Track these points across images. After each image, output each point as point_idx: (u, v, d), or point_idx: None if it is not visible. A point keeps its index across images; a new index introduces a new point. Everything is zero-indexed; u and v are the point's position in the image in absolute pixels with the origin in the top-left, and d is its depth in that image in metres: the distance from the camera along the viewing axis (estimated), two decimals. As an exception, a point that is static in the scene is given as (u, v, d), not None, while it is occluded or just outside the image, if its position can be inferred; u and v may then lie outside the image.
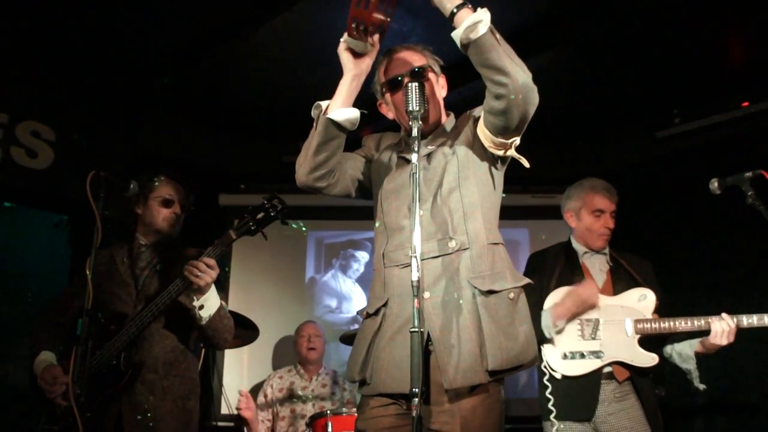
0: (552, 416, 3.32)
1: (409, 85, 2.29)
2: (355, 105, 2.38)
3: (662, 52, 4.79)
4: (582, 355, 3.37)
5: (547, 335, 3.37)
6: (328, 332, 5.55)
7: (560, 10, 4.41)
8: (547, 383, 3.38)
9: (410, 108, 2.26)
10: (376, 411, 2.33)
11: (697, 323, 3.32)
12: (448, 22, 2.20)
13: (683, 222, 5.42)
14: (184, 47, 4.79)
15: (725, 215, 4.68)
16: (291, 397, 5.06)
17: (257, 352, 5.72)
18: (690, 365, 3.44)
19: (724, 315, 3.28)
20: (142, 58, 4.89)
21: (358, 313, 2.38)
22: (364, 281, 6.25)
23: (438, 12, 2.23)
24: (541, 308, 3.43)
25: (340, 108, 2.33)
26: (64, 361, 3.24)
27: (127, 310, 3.24)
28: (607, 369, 3.38)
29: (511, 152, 2.38)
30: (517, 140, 2.34)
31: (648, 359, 3.34)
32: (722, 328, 3.25)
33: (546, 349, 3.40)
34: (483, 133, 2.36)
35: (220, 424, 5.60)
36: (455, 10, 2.17)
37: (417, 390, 1.97)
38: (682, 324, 3.34)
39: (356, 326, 5.83)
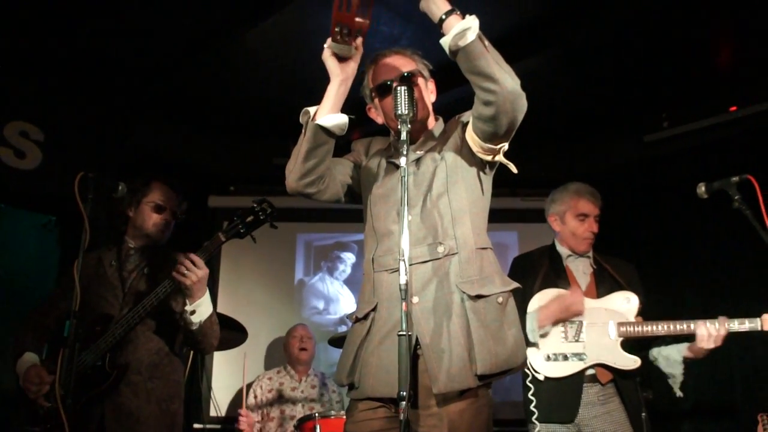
0: (534, 418, 3.34)
1: (398, 88, 2.29)
2: (344, 109, 2.38)
3: (651, 56, 4.81)
4: (565, 357, 3.38)
5: (531, 339, 3.38)
6: (316, 334, 5.55)
7: (549, 14, 4.43)
8: (530, 385, 3.40)
9: (399, 111, 2.26)
10: (364, 414, 2.33)
11: (679, 327, 3.34)
12: (437, 28, 2.20)
13: (671, 225, 5.44)
14: (175, 49, 4.78)
15: (713, 219, 4.71)
16: (280, 398, 5.06)
17: (246, 355, 5.70)
18: (676, 370, 3.46)
19: (720, 318, 3.29)
20: (132, 59, 4.88)
21: (347, 317, 2.38)
22: (352, 283, 6.25)
23: (429, 16, 2.24)
24: (525, 311, 3.43)
25: (329, 114, 2.33)
26: (49, 362, 3.23)
27: (114, 312, 3.22)
28: (590, 371, 3.39)
29: (500, 157, 2.39)
30: (505, 146, 2.35)
31: (630, 362, 3.35)
32: (708, 332, 3.26)
33: (529, 350, 3.41)
34: (471, 138, 2.36)
35: (209, 426, 5.58)
36: (444, 17, 2.18)
37: (405, 393, 1.97)
38: (664, 328, 3.36)
39: (344, 328, 5.87)
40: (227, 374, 5.77)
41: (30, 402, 3.16)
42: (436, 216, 2.37)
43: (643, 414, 3.40)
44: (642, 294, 3.50)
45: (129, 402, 3.13)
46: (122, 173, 3.36)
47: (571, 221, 3.64)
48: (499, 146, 2.34)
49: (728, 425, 4.95)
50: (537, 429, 3.33)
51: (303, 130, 2.37)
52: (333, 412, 4.17)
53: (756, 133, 5.05)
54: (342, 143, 2.47)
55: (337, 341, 4.56)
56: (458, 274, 2.31)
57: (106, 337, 3.13)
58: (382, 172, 2.54)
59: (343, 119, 2.35)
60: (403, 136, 2.21)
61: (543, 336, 3.40)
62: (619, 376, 3.39)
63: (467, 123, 2.39)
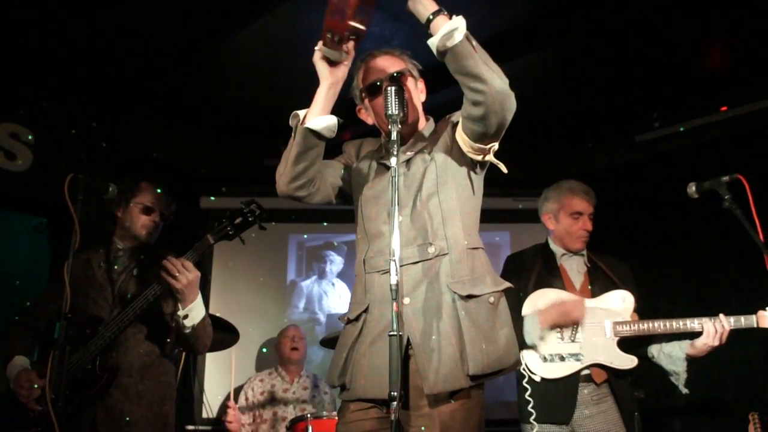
0: (531, 419, 3.32)
1: (388, 89, 2.30)
2: (335, 111, 2.38)
3: (642, 57, 4.81)
4: (561, 358, 3.37)
5: (529, 342, 3.36)
6: (308, 335, 5.55)
7: (540, 15, 4.43)
8: (526, 386, 3.37)
9: (389, 112, 2.26)
10: (356, 415, 2.34)
11: (675, 325, 3.33)
12: (424, 28, 2.20)
13: (663, 225, 5.45)
14: (166, 50, 4.76)
15: (704, 218, 4.72)
16: (272, 399, 5.06)
17: (238, 356, 5.69)
18: (679, 367, 3.42)
19: (721, 316, 3.27)
20: (123, 60, 4.86)
21: (339, 318, 2.38)
22: (343, 284, 6.25)
23: (416, 16, 2.24)
24: (519, 311, 3.43)
25: (318, 117, 2.33)
26: (40, 365, 3.21)
27: (103, 314, 3.22)
28: (585, 371, 3.38)
29: (490, 157, 2.39)
30: (495, 145, 2.35)
31: (627, 361, 3.35)
32: (716, 329, 3.25)
33: (525, 351, 3.40)
34: (461, 138, 2.37)
35: (201, 428, 5.57)
36: (431, 17, 2.18)
37: (395, 394, 1.97)
38: (660, 326, 3.35)
39: (330, 330, 5.86)
40: (219, 376, 5.76)
41: (21, 405, 3.14)
42: (427, 216, 2.37)
43: (636, 413, 3.40)
44: (636, 292, 3.50)
45: (120, 404, 3.13)
46: (113, 175, 3.34)
47: (565, 219, 3.63)
48: (489, 146, 2.34)
49: (720, 424, 4.96)
50: (533, 430, 3.31)
51: (292, 134, 2.36)
52: (325, 413, 4.18)
53: (747, 133, 5.07)
54: (333, 145, 2.46)
55: (329, 342, 4.56)
56: (449, 274, 2.31)
57: (96, 340, 3.12)
58: (373, 174, 2.54)
59: (332, 121, 2.34)
60: (393, 136, 2.22)
61: (541, 340, 3.39)
62: (614, 375, 3.39)
63: (457, 123, 2.39)
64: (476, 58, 2.14)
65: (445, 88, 3.15)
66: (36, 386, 3.12)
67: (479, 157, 2.38)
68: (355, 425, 2.33)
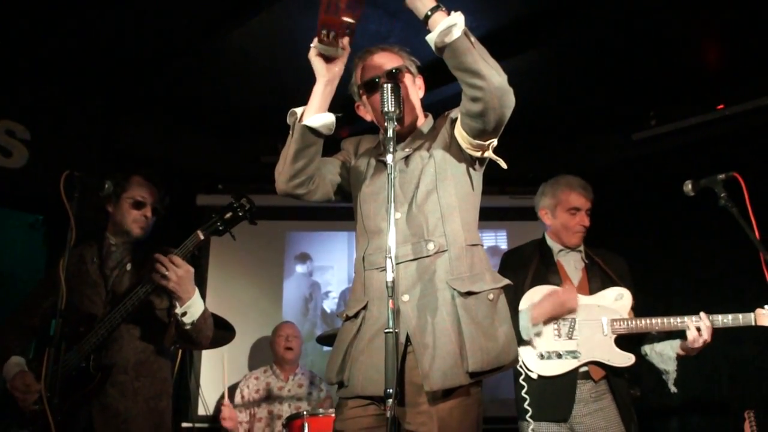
0: (528, 416, 3.31)
1: (385, 86, 2.29)
2: (333, 107, 2.37)
3: (638, 55, 4.82)
4: (559, 355, 3.36)
5: (525, 336, 3.36)
6: (304, 333, 5.54)
7: (537, 13, 4.43)
8: (522, 383, 3.36)
9: (385, 109, 2.26)
10: (354, 412, 2.33)
11: (672, 322, 3.33)
12: (423, 24, 2.20)
13: (659, 223, 5.46)
14: (162, 47, 4.76)
15: (700, 216, 4.73)
16: (267, 397, 5.05)
17: (234, 353, 5.69)
18: (669, 366, 3.44)
19: (701, 314, 3.28)
20: (119, 57, 4.85)
21: (337, 315, 2.37)
22: (340, 281, 6.25)
23: (414, 13, 2.23)
24: (516, 308, 3.42)
25: (316, 114, 2.32)
26: (36, 363, 3.20)
27: (97, 311, 3.20)
28: (583, 368, 3.37)
29: (489, 153, 2.38)
30: (494, 142, 2.35)
31: (625, 359, 3.35)
32: (696, 330, 3.26)
33: (522, 349, 3.39)
34: (460, 134, 2.36)
35: (197, 425, 5.56)
36: (429, 13, 2.17)
37: (391, 391, 1.97)
38: (657, 323, 3.35)
39: (326, 327, 5.86)
40: (215, 373, 5.74)
41: (17, 404, 3.14)
42: (426, 213, 2.37)
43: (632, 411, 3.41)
44: (633, 288, 3.50)
45: (116, 402, 3.11)
46: (109, 172, 3.32)
47: (563, 215, 3.62)
48: (487, 142, 2.33)
49: (715, 422, 4.97)
50: (531, 427, 3.30)
51: (290, 132, 2.36)
52: (321, 411, 4.16)
53: (743, 131, 5.07)
54: (331, 141, 2.46)
55: (326, 339, 4.56)
56: (448, 271, 2.31)
57: (90, 338, 3.10)
58: (372, 171, 2.54)
59: (330, 118, 2.34)
60: (390, 133, 2.21)
61: (536, 334, 3.38)
62: (611, 373, 3.38)
63: (456, 119, 2.38)
64: (474, 54, 2.13)
65: (446, 85, 3.17)
66: (32, 391, 3.11)
67: (478, 154, 2.38)
68: (353, 422, 2.32)
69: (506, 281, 2.44)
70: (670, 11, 4.28)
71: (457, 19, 2.13)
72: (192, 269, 3.02)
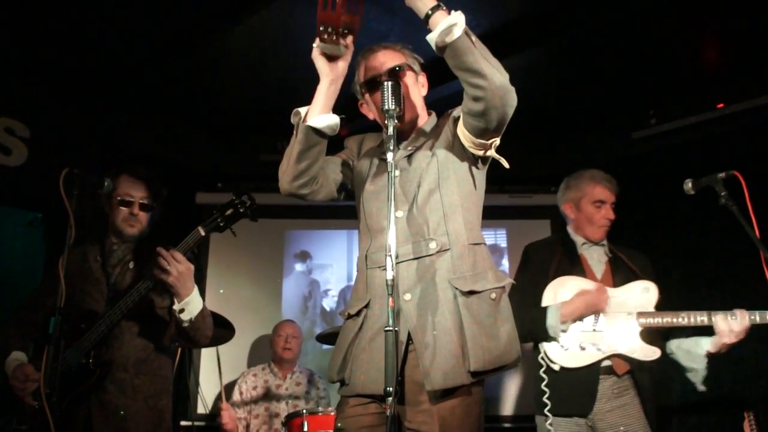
0: (546, 410, 3.25)
1: (385, 83, 2.29)
2: (336, 105, 2.37)
3: (638, 53, 4.82)
4: (582, 347, 3.30)
5: (552, 334, 3.30)
6: (303, 331, 5.53)
7: (536, 12, 4.42)
8: (543, 375, 3.31)
9: (385, 107, 2.25)
10: (355, 410, 2.33)
11: (699, 318, 3.26)
12: (423, 23, 2.20)
13: (659, 221, 5.46)
14: (161, 45, 4.75)
15: (701, 215, 4.73)
16: (265, 395, 5.05)
17: (233, 351, 5.69)
18: (698, 364, 3.34)
19: (737, 311, 3.21)
20: (119, 54, 4.85)
21: (339, 313, 2.38)
22: (340, 280, 6.25)
23: (414, 12, 2.23)
24: (539, 301, 3.38)
25: (320, 114, 2.32)
26: (36, 360, 3.21)
27: (99, 309, 3.20)
28: (606, 363, 3.31)
29: (492, 152, 2.38)
30: (497, 141, 2.34)
31: (650, 353, 3.28)
32: (729, 327, 3.18)
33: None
34: (462, 133, 2.36)
35: (196, 423, 5.57)
36: (430, 12, 2.17)
37: (391, 389, 1.96)
38: (684, 319, 3.28)
39: (325, 325, 5.86)
40: (214, 371, 5.75)
41: (18, 400, 3.14)
42: (428, 212, 2.36)
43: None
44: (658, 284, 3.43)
45: (116, 399, 3.12)
46: (108, 170, 3.31)
47: (587, 208, 3.57)
48: (490, 141, 2.33)
49: (715, 422, 4.96)
50: (548, 422, 3.24)
51: (294, 132, 2.36)
52: (320, 409, 4.16)
53: (743, 130, 5.07)
54: (333, 140, 2.46)
55: (326, 338, 4.55)
56: (451, 270, 2.31)
57: (91, 334, 3.11)
58: (374, 169, 2.53)
59: (335, 120, 2.34)
60: (390, 131, 2.21)
61: (564, 332, 3.32)
62: (636, 367, 3.31)
63: (458, 118, 2.38)
64: (476, 53, 2.13)
65: (449, 82, 3.14)
66: (31, 380, 3.12)
67: (481, 153, 2.37)
68: (354, 420, 2.32)
69: (509, 280, 2.44)
70: (670, 10, 4.28)
71: (458, 18, 2.12)
72: (192, 266, 3.03)
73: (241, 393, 5.09)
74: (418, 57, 2.61)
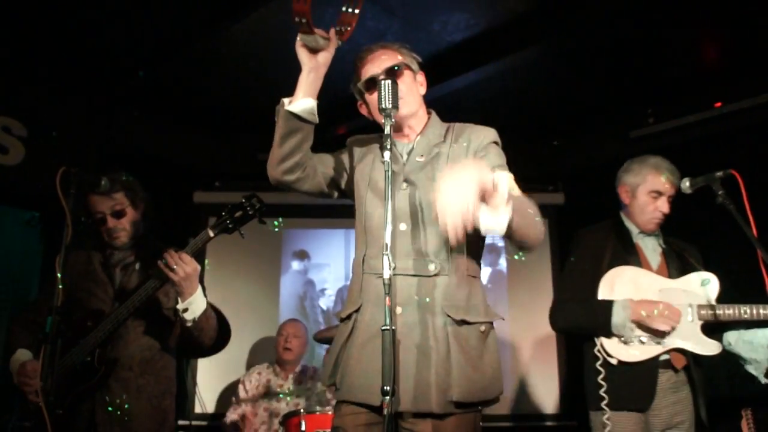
0: (604, 404, 3.14)
1: (383, 82, 2.27)
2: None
3: (636, 52, 4.82)
4: (641, 341, 3.19)
5: (616, 332, 3.18)
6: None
7: (534, 11, 4.42)
8: (600, 368, 3.20)
9: (382, 105, 2.24)
10: (351, 409, 2.32)
11: (763, 312, 3.17)
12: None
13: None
14: (159, 44, 4.75)
15: (698, 214, 4.72)
16: (266, 394, 5.05)
17: (231, 350, 5.70)
18: (761, 355, 3.23)
19: None
20: (116, 54, 4.85)
21: (335, 315, 2.36)
22: (336, 279, 6.25)
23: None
24: (595, 289, 3.28)
25: (300, 100, 2.33)
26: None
27: (105, 308, 3.20)
28: (664, 357, 3.22)
29: None
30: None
31: (713, 347, 3.21)
32: None
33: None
34: None
35: (194, 423, 5.56)
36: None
37: (388, 388, 1.96)
38: (747, 312, 3.19)
39: (323, 325, 5.86)
40: (213, 371, 5.76)
41: (22, 398, 3.13)
42: (432, 232, 2.34)
43: None
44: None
45: (119, 398, 3.11)
46: (106, 169, 3.30)
47: (643, 196, 3.44)
48: None
49: (712, 420, 4.96)
50: (606, 416, 3.13)
51: (275, 118, 2.37)
52: (318, 408, 4.16)
53: (741, 129, 5.07)
54: (333, 139, 2.45)
55: (322, 338, 4.54)
56: (445, 296, 2.29)
57: (96, 333, 3.10)
58: (377, 172, 2.51)
59: (311, 104, 2.33)
60: (387, 130, 2.20)
61: (630, 329, 3.18)
62: (694, 362, 3.23)
63: (484, 156, 2.40)
64: (522, 230, 2.11)
65: (447, 81, 3.16)
66: (36, 377, 3.11)
67: None
68: (351, 418, 2.31)
69: (498, 316, 2.43)
70: (669, 9, 4.28)
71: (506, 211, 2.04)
72: (199, 267, 3.04)
73: (246, 390, 5.09)
74: (416, 56, 2.60)
